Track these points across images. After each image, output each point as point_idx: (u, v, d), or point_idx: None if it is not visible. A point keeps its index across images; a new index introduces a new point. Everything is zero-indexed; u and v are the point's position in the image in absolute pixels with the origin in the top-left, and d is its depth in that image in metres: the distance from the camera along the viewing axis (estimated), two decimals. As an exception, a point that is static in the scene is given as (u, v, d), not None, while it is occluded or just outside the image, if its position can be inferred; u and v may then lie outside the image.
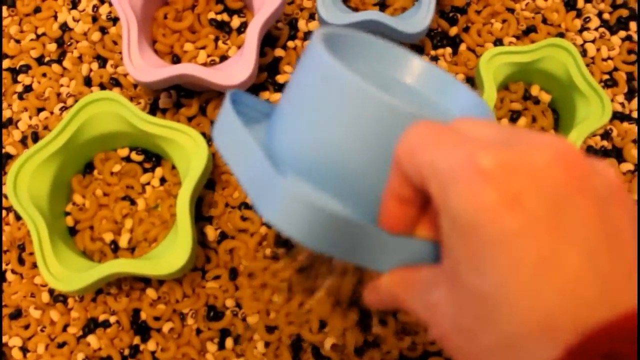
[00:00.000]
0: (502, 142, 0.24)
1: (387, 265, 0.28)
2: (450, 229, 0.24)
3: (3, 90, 0.57)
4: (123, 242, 0.51)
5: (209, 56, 0.55)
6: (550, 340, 0.22)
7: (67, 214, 0.52)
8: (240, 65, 0.50)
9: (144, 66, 0.50)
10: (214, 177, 0.53)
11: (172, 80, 0.50)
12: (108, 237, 0.51)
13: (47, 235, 0.47)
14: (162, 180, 0.53)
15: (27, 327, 0.52)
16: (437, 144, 0.25)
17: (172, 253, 0.46)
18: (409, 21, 0.51)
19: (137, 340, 0.51)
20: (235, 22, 0.56)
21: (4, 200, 0.55)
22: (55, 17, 0.59)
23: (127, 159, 0.54)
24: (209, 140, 0.54)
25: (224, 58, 0.55)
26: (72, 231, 0.52)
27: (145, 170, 0.53)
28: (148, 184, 0.53)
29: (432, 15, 0.51)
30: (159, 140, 0.50)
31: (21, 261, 0.53)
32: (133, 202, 0.52)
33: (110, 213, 0.52)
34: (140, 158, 0.53)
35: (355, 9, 0.57)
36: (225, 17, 0.57)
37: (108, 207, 0.52)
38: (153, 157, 0.53)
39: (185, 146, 0.49)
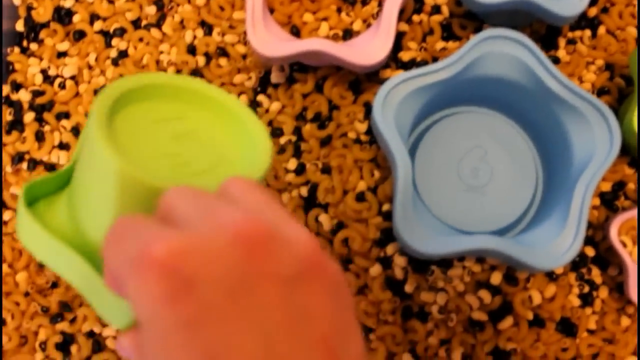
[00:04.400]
0: (191, 222, 0.24)
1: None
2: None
3: (96, 55, 0.52)
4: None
5: (331, 29, 0.50)
6: None
7: None
8: (376, 43, 0.45)
9: (270, 39, 0.45)
10: (329, 162, 0.49)
11: (299, 56, 0.45)
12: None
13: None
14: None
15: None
16: (122, 238, 0.24)
17: None
18: (564, 2, 0.46)
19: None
20: (361, -9, 0.51)
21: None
22: (154, -24, 0.53)
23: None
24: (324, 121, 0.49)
25: (347, 32, 0.50)
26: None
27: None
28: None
29: (590, -6, 0.46)
30: None
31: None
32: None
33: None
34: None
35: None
36: (349, -16, 0.51)
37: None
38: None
39: None
